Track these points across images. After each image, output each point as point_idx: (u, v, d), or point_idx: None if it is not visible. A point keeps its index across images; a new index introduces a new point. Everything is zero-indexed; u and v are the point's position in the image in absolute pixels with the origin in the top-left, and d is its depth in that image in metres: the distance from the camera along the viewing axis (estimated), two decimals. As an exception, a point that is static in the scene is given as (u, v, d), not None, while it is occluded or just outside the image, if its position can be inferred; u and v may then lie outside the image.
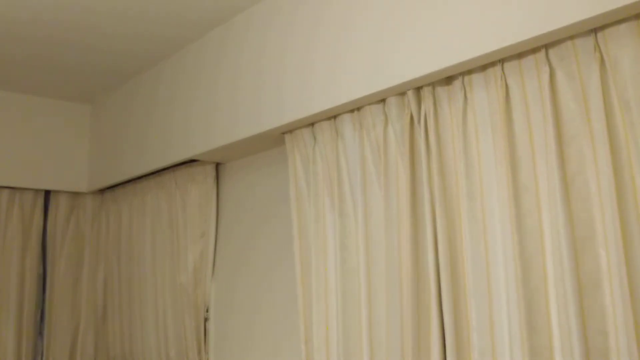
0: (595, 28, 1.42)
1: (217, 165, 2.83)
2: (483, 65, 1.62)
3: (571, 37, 1.46)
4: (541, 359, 1.46)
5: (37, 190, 3.41)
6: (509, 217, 1.53)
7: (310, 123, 2.12)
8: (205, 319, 2.74)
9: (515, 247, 1.50)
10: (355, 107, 1.95)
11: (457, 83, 1.69)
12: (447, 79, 1.72)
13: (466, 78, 1.67)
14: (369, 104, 1.90)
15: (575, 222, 1.43)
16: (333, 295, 1.98)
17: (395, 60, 1.73)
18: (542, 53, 1.51)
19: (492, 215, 1.58)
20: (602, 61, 1.42)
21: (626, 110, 1.37)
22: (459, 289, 1.64)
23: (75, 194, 3.55)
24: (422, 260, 1.73)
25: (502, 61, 1.59)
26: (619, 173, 1.38)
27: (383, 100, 1.87)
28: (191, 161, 2.83)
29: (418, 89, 1.77)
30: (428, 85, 1.74)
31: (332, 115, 2.04)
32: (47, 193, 3.49)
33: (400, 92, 1.80)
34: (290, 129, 2.19)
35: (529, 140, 1.53)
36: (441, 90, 1.72)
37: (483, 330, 1.57)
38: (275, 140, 2.36)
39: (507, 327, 1.53)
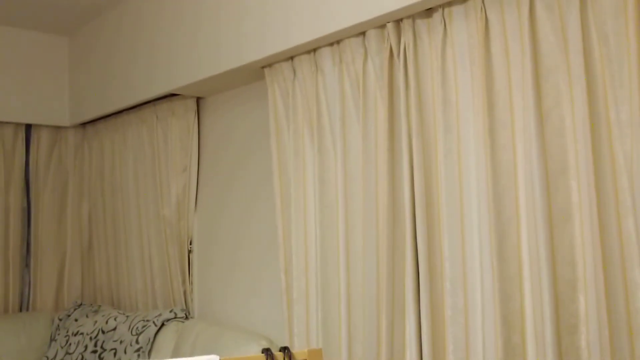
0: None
1: (198, 100, 2.80)
2: (464, -4, 1.60)
3: (552, -32, 1.43)
4: (510, 287, 1.50)
5: (18, 125, 3.37)
6: (483, 151, 1.54)
7: (290, 57, 2.09)
8: (189, 251, 2.79)
9: (489, 180, 1.52)
10: (335, 40, 1.92)
11: (437, 15, 1.66)
12: (428, 11, 1.69)
13: (446, 10, 1.64)
14: (349, 37, 1.87)
15: (549, 155, 1.45)
16: (312, 227, 2.02)
17: (375, -9, 1.69)
18: (523, -15, 1.48)
19: (467, 148, 1.60)
20: (582, -7, 1.40)
21: (604, 44, 1.36)
22: (433, 221, 1.68)
23: (57, 128, 3.52)
24: (399, 193, 1.76)
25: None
26: (594, 108, 1.38)
27: (363, 34, 1.84)
28: (172, 95, 2.79)
29: (398, 22, 1.75)
30: (408, 17, 1.71)
31: (312, 49, 2.01)
32: (28, 127, 3.45)
33: (380, 24, 1.77)
34: (270, 63, 2.16)
35: (507, 74, 1.53)
36: (421, 23, 1.70)
37: (455, 259, 1.61)
38: (256, 74, 2.33)
39: (478, 256, 1.57)
